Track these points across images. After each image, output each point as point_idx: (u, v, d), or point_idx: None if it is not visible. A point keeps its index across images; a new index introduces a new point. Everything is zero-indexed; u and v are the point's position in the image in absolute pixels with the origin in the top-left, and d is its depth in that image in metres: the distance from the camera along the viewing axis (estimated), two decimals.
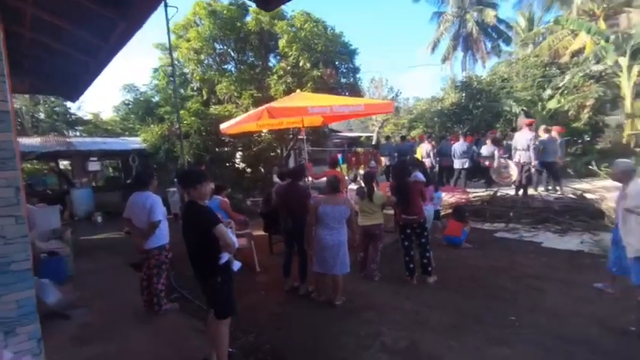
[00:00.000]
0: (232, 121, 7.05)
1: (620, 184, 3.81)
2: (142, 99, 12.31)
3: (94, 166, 12.51)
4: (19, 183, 1.59)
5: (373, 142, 22.54)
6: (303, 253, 4.50)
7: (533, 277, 4.63)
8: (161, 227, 3.72)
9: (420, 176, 4.93)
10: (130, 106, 12.51)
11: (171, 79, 13.37)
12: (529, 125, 8.31)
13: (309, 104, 5.74)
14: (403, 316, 3.83)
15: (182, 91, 12.96)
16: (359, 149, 15.75)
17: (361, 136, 25.46)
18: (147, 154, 12.09)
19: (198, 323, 3.83)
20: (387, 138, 12.09)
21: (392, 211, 6.20)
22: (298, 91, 7.51)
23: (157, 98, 12.61)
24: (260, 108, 5.83)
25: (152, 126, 11.91)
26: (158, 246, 3.76)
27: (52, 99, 18.71)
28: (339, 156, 14.46)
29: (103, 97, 47.08)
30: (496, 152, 10.16)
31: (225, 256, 2.63)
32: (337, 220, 4.04)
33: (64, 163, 14.72)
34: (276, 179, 13.48)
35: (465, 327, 3.53)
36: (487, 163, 10.20)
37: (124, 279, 5.28)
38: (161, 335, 3.56)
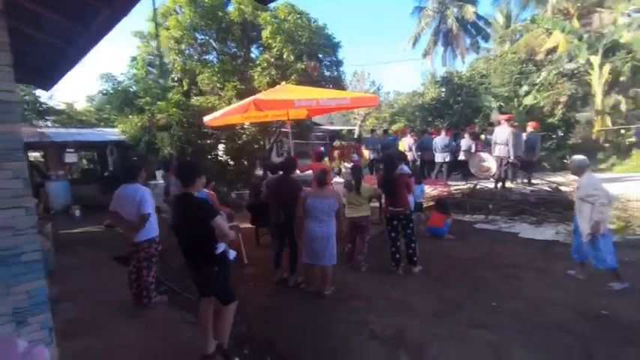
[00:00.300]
0: (217, 113, 6.96)
1: (577, 177, 4.21)
2: (119, 89, 11.92)
3: (70, 157, 12.06)
4: (26, 174, 1.57)
5: (355, 136, 22.73)
6: (293, 245, 4.55)
7: (512, 266, 4.85)
8: (151, 220, 3.68)
9: (406, 169, 5.06)
10: (107, 96, 12.09)
11: (150, 68, 13.11)
12: (508, 120, 8.60)
13: (296, 97, 5.74)
14: (390, 305, 3.95)
15: (162, 81, 12.65)
16: (342, 142, 15.84)
17: (342, 130, 25.59)
18: (126, 146, 11.76)
19: (187, 315, 3.84)
20: (372, 131, 12.20)
21: (377, 204, 6.34)
22: (284, 83, 7.47)
23: (134, 88, 12.24)
24: (246, 100, 5.79)
25: (131, 117, 11.56)
26: (148, 239, 3.71)
27: (22, 87, 17.79)
28: (322, 149, 14.53)
29: (76, 87, 45.12)
30: (473, 146, 10.50)
31: (221, 246, 2.66)
32: (326, 212, 4.10)
33: (34, 155, 14.10)
34: (259, 172, 13.47)
35: (448, 314, 3.69)
36: (464, 156, 10.52)
37: (107, 273, 5.19)
38: (151, 328, 3.54)
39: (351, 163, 12.62)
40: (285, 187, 4.49)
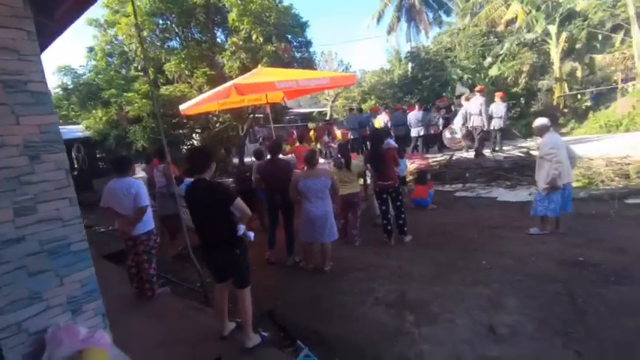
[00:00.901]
0: (193, 102, 6.78)
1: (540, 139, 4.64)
2: (81, 82, 11.23)
3: None
4: (67, 165, 1.55)
5: (327, 117, 22.74)
6: (289, 227, 4.62)
7: (494, 227, 5.20)
8: (147, 212, 3.63)
9: (393, 143, 5.22)
10: (67, 91, 11.36)
11: (110, 59, 12.43)
12: (480, 91, 8.93)
13: (276, 79, 5.67)
14: (388, 273, 4.16)
15: (124, 71, 12.05)
16: (319, 124, 15.86)
17: (313, 112, 25.49)
18: (93, 143, 11.21)
19: (192, 303, 3.88)
20: (350, 110, 12.22)
21: (361, 182, 6.52)
22: (260, 66, 7.36)
23: (96, 81, 11.58)
24: (226, 85, 5.67)
25: (95, 111, 10.99)
26: (146, 231, 3.67)
27: None
28: (294, 132, 14.47)
29: None
30: (440, 120, 10.88)
31: (241, 228, 2.71)
32: (320, 191, 4.18)
33: None
34: (235, 160, 13.27)
35: (443, 275, 3.94)
36: (432, 130, 10.87)
37: (100, 271, 5.06)
38: (160, 318, 3.55)
39: (324, 144, 12.74)
40: (277, 169, 4.53)
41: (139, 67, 11.45)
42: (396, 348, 2.84)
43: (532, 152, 7.99)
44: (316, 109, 26.30)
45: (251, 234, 2.81)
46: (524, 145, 9.41)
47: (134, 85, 10.22)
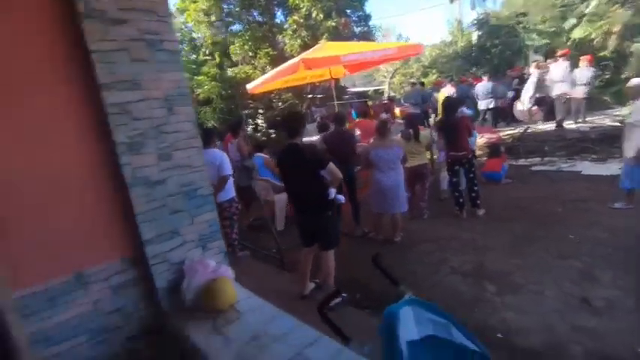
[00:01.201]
0: (259, 80, 7.03)
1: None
2: None
3: None
4: (194, 117, 1.79)
5: (386, 95, 22.14)
6: (354, 198, 4.68)
7: (578, 200, 4.79)
8: (229, 181, 3.92)
9: (467, 111, 4.98)
10: None
11: (180, 45, 13.19)
12: (563, 55, 8.08)
13: (342, 52, 5.66)
14: (461, 245, 4.07)
15: (194, 56, 12.76)
16: (380, 101, 15.54)
17: (369, 90, 24.93)
18: None
19: (270, 267, 4.17)
20: (413, 84, 11.76)
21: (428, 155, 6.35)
22: (323, 41, 7.36)
23: None
24: (293, 61, 5.79)
25: None
26: (228, 199, 3.98)
27: None
28: (353, 111, 14.35)
29: None
30: (510, 92, 10.04)
31: (332, 192, 2.83)
32: (392, 161, 4.16)
33: None
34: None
35: (524, 247, 3.76)
36: (500, 102, 10.08)
37: None
38: (242, 275, 3.85)
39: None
40: (342, 140, 4.54)
41: (207, 52, 12.07)
42: (476, 314, 2.81)
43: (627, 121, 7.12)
44: (371, 88, 25.69)
45: (342, 197, 2.90)
46: (617, 113, 8.38)
47: (203, 68, 10.82)
